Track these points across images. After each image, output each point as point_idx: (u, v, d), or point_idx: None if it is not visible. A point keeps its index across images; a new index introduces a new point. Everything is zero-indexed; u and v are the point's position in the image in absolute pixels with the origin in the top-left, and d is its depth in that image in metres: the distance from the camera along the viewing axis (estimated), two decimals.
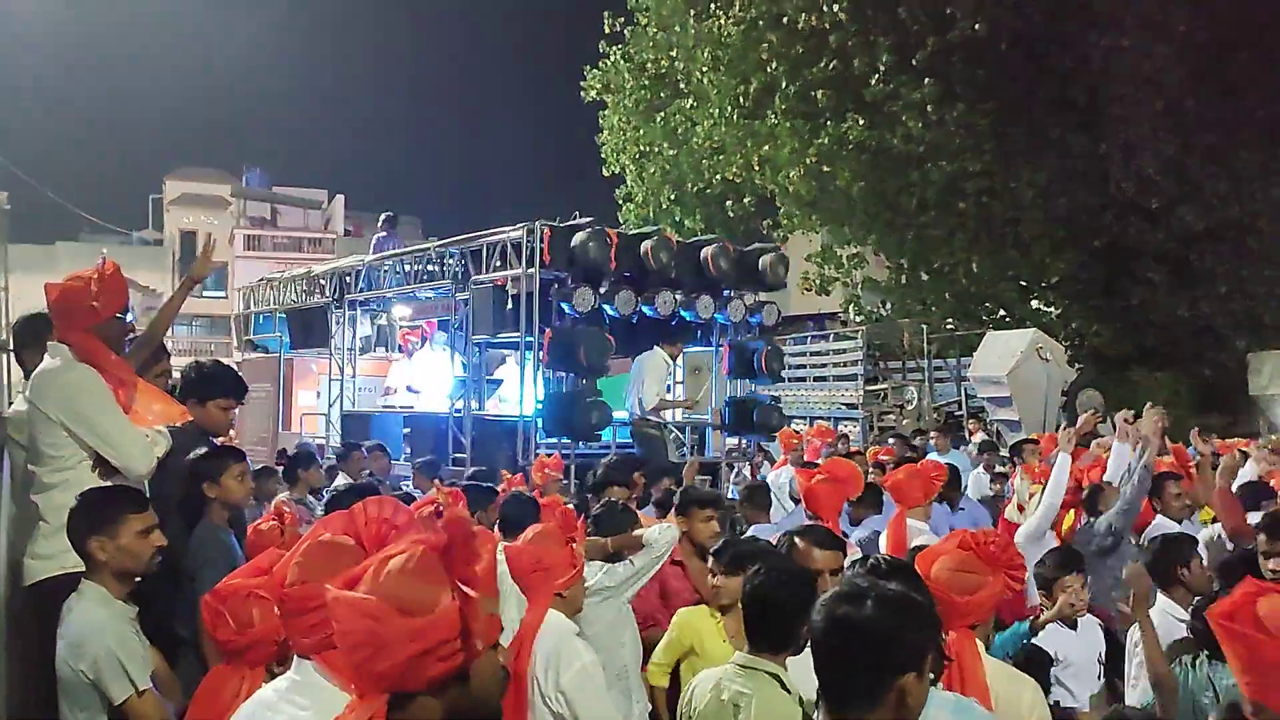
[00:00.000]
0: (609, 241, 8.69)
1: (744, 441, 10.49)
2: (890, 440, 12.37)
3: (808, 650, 2.90)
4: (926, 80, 16.34)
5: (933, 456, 10.49)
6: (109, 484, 3.50)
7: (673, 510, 4.69)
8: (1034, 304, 18.61)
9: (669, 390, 11.18)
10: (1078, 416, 7.48)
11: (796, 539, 3.51)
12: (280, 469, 7.26)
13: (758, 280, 9.88)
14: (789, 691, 2.81)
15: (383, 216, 13.45)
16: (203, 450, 4.02)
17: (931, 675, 2.19)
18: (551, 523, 3.34)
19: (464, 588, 1.51)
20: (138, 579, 3.17)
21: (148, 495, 3.50)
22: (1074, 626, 3.93)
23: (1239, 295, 16.08)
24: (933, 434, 12.81)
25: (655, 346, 9.22)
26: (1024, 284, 18.44)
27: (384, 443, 9.61)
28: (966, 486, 7.72)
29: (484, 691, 1.60)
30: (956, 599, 2.64)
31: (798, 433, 10.59)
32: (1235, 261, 16.00)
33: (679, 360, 11.15)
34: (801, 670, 2.80)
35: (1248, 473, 6.45)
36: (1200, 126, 15.81)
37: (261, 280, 14.55)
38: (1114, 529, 5.12)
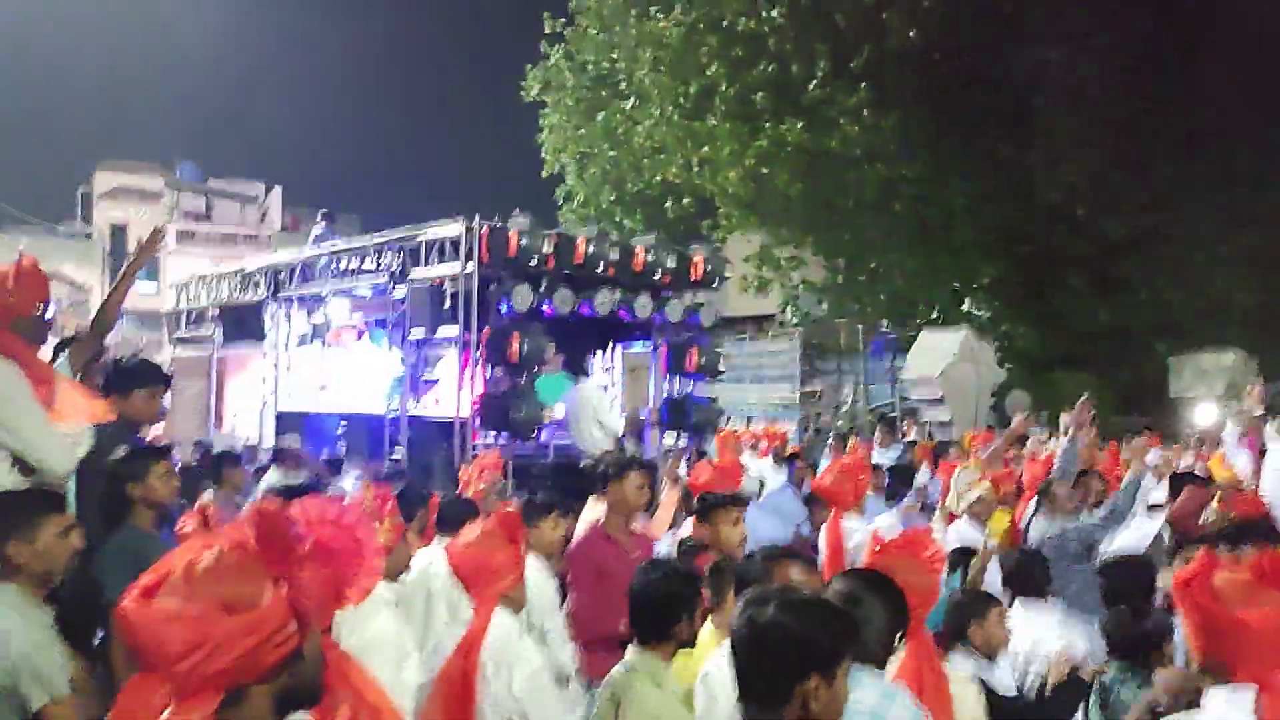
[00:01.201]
0: (548, 240, 8.73)
1: (680, 439, 10.58)
2: (829, 441, 12.60)
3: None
4: (862, 86, 16.62)
5: (875, 453, 10.72)
6: (25, 485, 3.44)
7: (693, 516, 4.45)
8: (965, 306, 19.02)
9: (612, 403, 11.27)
10: (1007, 417, 7.72)
11: (769, 563, 3.25)
12: (203, 469, 7.11)
13: (695, 280, 9.98)
14: (660, 687, 2.90)
15: (320, 213, 13.30)
16: (124, 450, 3.95)
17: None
18: (494, 524, 3.30)
19: (285, 574, 1.53)
20: (54, 581, 3.12)
21: (66, 496, 3.45)
22: None
23: (1158, 301, 16.63)
24: (877, 432, 13.08)
25: (579, 386, 9.23)
26: (956, 286, 18.84)
27: (318, 441, 9.53)
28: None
29: (313, 668, 1.63)
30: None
31: (735, 432, 10.70)
32: (1154, 269, 16.54)
33: (615, 364, 11.23)
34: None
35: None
36: (1122, 138, 16.30)
37: (194, 276, 14.28)
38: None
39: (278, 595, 1.52)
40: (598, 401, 9.13)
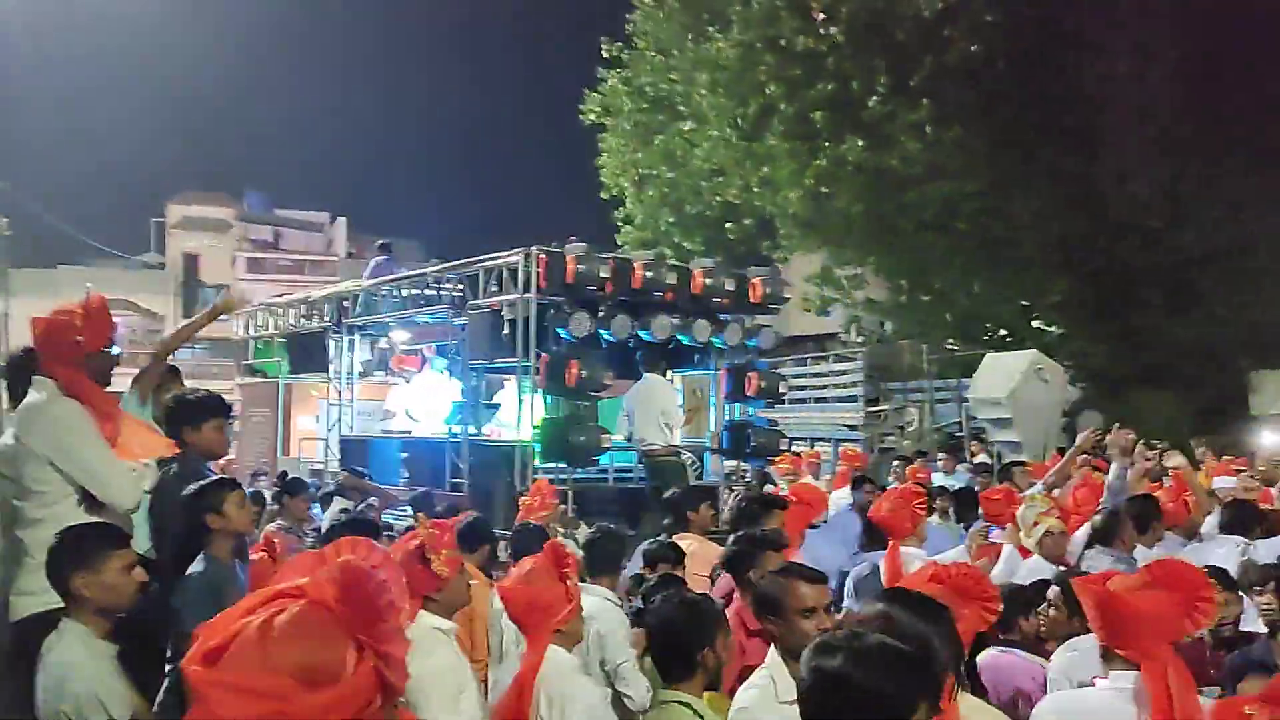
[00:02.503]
0: (605, 266, 8.71)
1: (742, 465, 10.45)
2: (895, 463, 12.38)
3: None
4: (924, 101, 16.39)
5: (937, 478, 10.49)
6: (92, 519, 3.48)
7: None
8: (1034, 324, 18.59)
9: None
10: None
11: (781, 578, 3.33)
12: (271, 492, 7.20)
13: (754, 303, 9.88)
14: (702, 716, 2.80)
15: (378, 244, 13.48)
16: (197, 484, 3.99)
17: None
18: (544, 559, 3.26)
19: (373, 643, 1.34)
20: (119, 616, 3.15)
21: (132, 532, 3.49)
22: None
23: (1238, 316, 16.07)
24: (940, 456, 12.81)
25: (648, 376, 9.14)
26: (1024, 304, 18.43)
27: (380, 467, 9.58)
28: None
29: None
30: None
31: (797, 455, 10.54)
32: (1232, 282, 16.00)
33: (676, 383, 11.14)
34: None
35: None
36: (1193, 150, 15.85)
37: (260, 304, 14.58)
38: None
39: (363, 666, 1.33)
40: (664, 395, 9.03)
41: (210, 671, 1.29)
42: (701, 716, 2.80)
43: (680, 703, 2.81)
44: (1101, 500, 5.53)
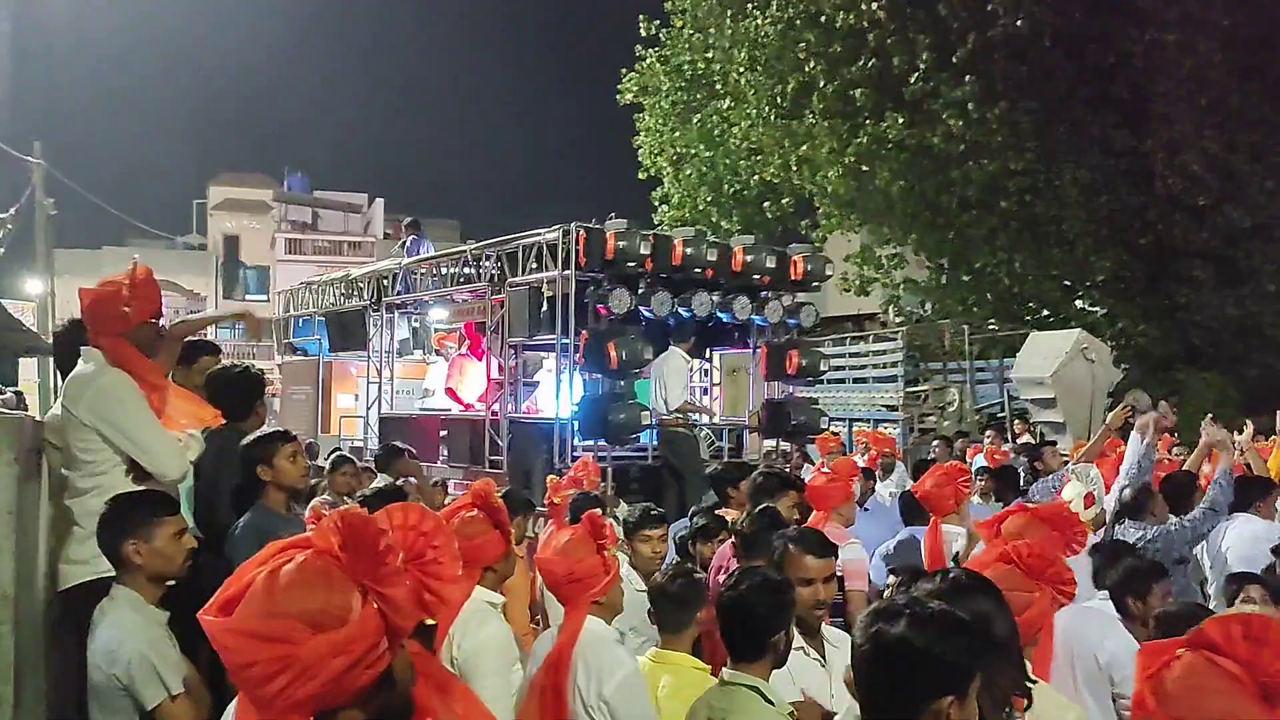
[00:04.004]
0: (645, 243, 8.65)
1: (779, 444, 10.38)
2: (935, 443, 12.24)
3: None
4: (967, 78, 16.10)
5: (980, 459, 10.37)
6: (139, 488, 3.50)
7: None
8: (1078, 303, 18.28)
9: (705, 393, 11.10)
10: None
11: (790, 545, 3.40)
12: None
13: (795, 281, 9.78)
14: (771, 703, 2.74)
15: (405, 223, 13.43)
16: (253, 435, 4.00)
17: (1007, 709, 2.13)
18: (581, 530, 3.23)
19: (375, 587, 1.39)
20: (170, 583, 3.16)
21: (180, 500, 3.50)
22: None
23: None
24: (987, 435, 12.66)
25: (672, 346, 9.08)
26: (1068, 283, 18.12)
27: (420, 444, 9.59)
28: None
29: (404, 688, 1.51)
30: None
31: (836, 434, 10.45)
32: None
33: (715, 361, 11.06)
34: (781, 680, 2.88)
35: None
36: (1245, 123, 15.44)
37: (301, 284, 14.67)
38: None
39: (367, 609, 1.38)
40: (668, 365, 8.95)
41: (222, 619, 1.35)
42: (770, 701, 2.74)
43: (748, 686, 2.75)
44: (1125, 474, 5.39)
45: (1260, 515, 5.40)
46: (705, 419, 10.13)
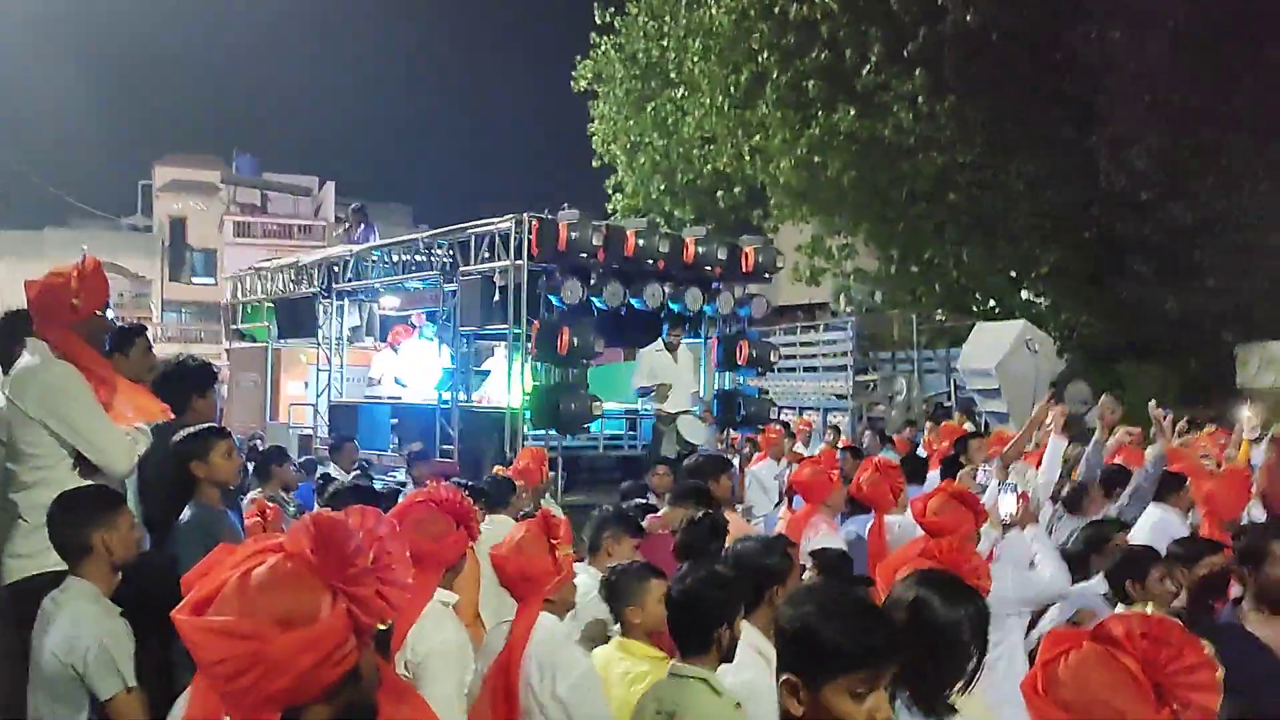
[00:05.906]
0: (598, 234, 8.68)
1: (730, 434, 10.49)
2: (865, 432, 12.43)
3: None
4: (917, 71, 16.30)
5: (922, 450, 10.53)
6: (88, 482, 3.48)
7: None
8: (1024, 295, 18.62)
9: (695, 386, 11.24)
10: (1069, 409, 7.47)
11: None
12: (251, 465, 7.10)
13: (746, 273, 9.87)
14: (720, 694, 2.81)
15: (351, 208, 13.30)
16: (185, 431, 3.97)
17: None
18: (535, 528, 3.21)
19: (344, 587, 1.45)
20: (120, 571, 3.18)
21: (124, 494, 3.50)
22: None
23: (1228, 289, 16.10)
24: (927, 425, 12.87)
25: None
26: (1014, 275, 18.44)
27: (370, 433, 9.56)
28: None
29: (369, 686, 1.57)
30: None
31: (779, 426, 10.56)
32: (1224, 255, 16.00)
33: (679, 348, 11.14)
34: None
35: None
36: (1191, 121, 15.78)
37: (249, 269, 14.47)
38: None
39: (336, 609, 1.43)
40: (641, 368, 9.24)
41: (195, 619, 1.40)
42: (719, 693, 2.79)
43: (697, 678, 2.81)
44: (1045, 473, 5.52)
45: (1175, 507, 5.55)
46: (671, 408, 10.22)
